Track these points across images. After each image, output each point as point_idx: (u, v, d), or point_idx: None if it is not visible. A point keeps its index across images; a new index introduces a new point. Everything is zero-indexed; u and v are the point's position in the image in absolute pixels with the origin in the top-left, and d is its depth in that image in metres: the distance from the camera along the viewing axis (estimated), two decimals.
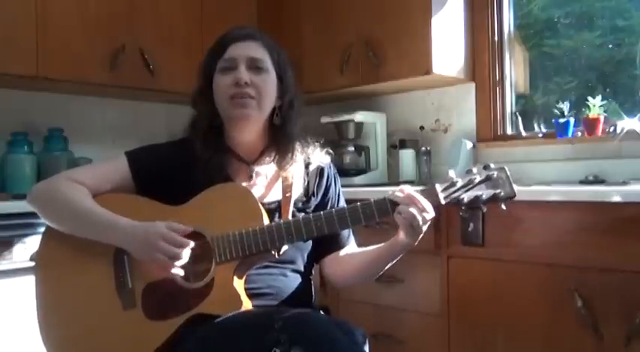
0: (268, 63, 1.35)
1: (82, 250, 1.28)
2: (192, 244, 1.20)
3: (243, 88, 1.30)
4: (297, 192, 1.40)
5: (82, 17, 2.52)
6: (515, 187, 1.22)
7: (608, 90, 2.51)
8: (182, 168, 1.34)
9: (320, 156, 1.45)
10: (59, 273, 1.31)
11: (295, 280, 1.36)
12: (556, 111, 2.43)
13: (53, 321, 1.29)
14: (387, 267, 1.36)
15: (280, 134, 1.38)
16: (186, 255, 1.19)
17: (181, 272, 1.20)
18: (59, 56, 2.44)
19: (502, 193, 1.21)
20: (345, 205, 1.45)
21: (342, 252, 1.43)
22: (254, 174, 1.38)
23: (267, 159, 1.40)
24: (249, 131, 1.37)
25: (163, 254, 1.17)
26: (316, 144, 1.45)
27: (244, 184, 1.35)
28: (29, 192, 1.35)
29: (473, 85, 2.75)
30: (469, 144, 2.61)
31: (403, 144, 2.84)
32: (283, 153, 1.38)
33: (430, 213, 1.21)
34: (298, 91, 1.42)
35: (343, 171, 2.78)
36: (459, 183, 1.22)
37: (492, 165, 1.23)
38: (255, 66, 1.32)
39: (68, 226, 1.29)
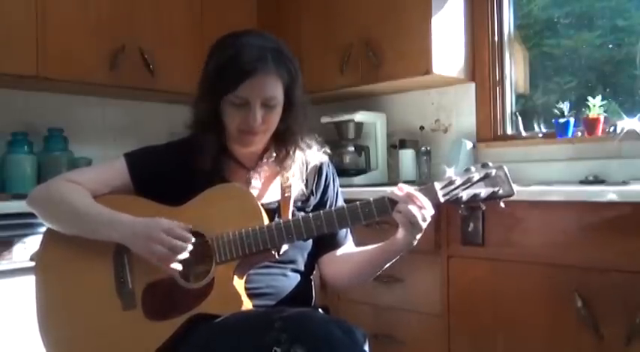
0: (280, 95, 1.29)
1: (82, 251, 1.29)
2: (192, 239, 1.20)
3: (255, 128, 1.28)
4: (296, 191, 1.39)
5: (82, 17, 2.53)
6: (514, 186, 1.23)
7: (608, 90, 2.52)
8: (181, 171, 1.34)
9: (318, 155, 1.44)
10: (59, 274, 1.31)
11: (296, 280, 1.36)
12: (556, 111, 2.43)
13: (53, 322, 1.29)
14: (385, 267, 1.36)
15: (282, 137, 1.36)
16: (186, 248, 1.19)
17: (179, 267, 1.20)
18: (59, 56, 2.44)
19: (501, 191, 1.21)
20: (344, 204, 1.46)
21: (340, 251, 1.43)
22: (252, 181, 1.38)
23: (267, 161, 1.39)
24: (252, 150, 1.37)
25: (163, 246, 1.17)
26: (315, 142, 1.43)
27: None
28: (29, 195, 1.35)
29: (473, 85, 2.76)
30: (469, 144, 2.62)
31: (403, 144, 2.84)
32: (284, 155, 1.37)
33: (429, 211, 1.21)
34: (304, 96, 1.38)
35: (343, 171, 2.79)
36: (458, 181, 1.22)
37: (490, 164, 1.24)
38: (268, 104, 1.28)
39: (68, 225, 1.29)
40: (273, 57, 1.26)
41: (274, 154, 1.39)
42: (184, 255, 1.19)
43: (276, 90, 1.27)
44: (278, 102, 1.29)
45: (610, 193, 1.77)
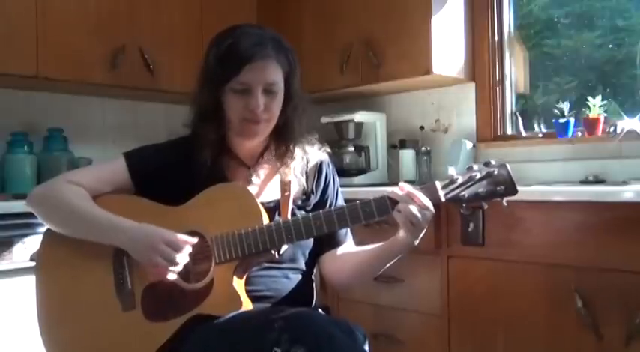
0: (281, 82, 1.30)
1: (82, 251, 1.28)
2: (190, 249, 1.20)
3: (257, 114, 1.28)
4: (296, 189, 1.39)
5: (82, 17, 2.53)
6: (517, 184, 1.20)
7: (608, 90, 2.52)
8: (181, 169, 1.34)
9: (318, 154, 1.44)
10: (59, 274, 1.31)
11: (297, 282, 1.35)
12: (556, 111, 2.42)
13: (53, 322, 1.30)
14: (385, 267, 1.35)
15: (282, 132, 1.36)
16: (184, 260, 1.19)
17: (175, 277, 1.21)
18: (59, 56, 2.45)
19: (503, 190, 1.19)
20: (344, 204, 1.45)
21: (340, 251, 1.42)
22: (253, 179, 1.38)
23: (267, 158, 1.39)
24: (255, 141, 1.37)
25: (162, 257, 1.17)
26: (315, 141, 1.43)
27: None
28: (29, 196, 1.35)
29: (473, 85, 2.75)
30: (469, 144, 2.61)
31: (403, 144, 2.84)
32: (284, 150, 1.37)
33: (430, 211, 1.20)
34: (304, 93, 1.39)
35: (343, 171, 2.79)
36: (460, 180, 1.21)
37: (493, 162, 1.21)
38: (269, 89, 1.28)
39: (69, 228, 1.29)
40: (273, 45, 1.29)
41: (274, 152, 1.38)
42: (180, 268, 1.20)
43: (276, 76, 1.29)
44: (279, 89, 1.30)
45: (610, 193, 1.77)
